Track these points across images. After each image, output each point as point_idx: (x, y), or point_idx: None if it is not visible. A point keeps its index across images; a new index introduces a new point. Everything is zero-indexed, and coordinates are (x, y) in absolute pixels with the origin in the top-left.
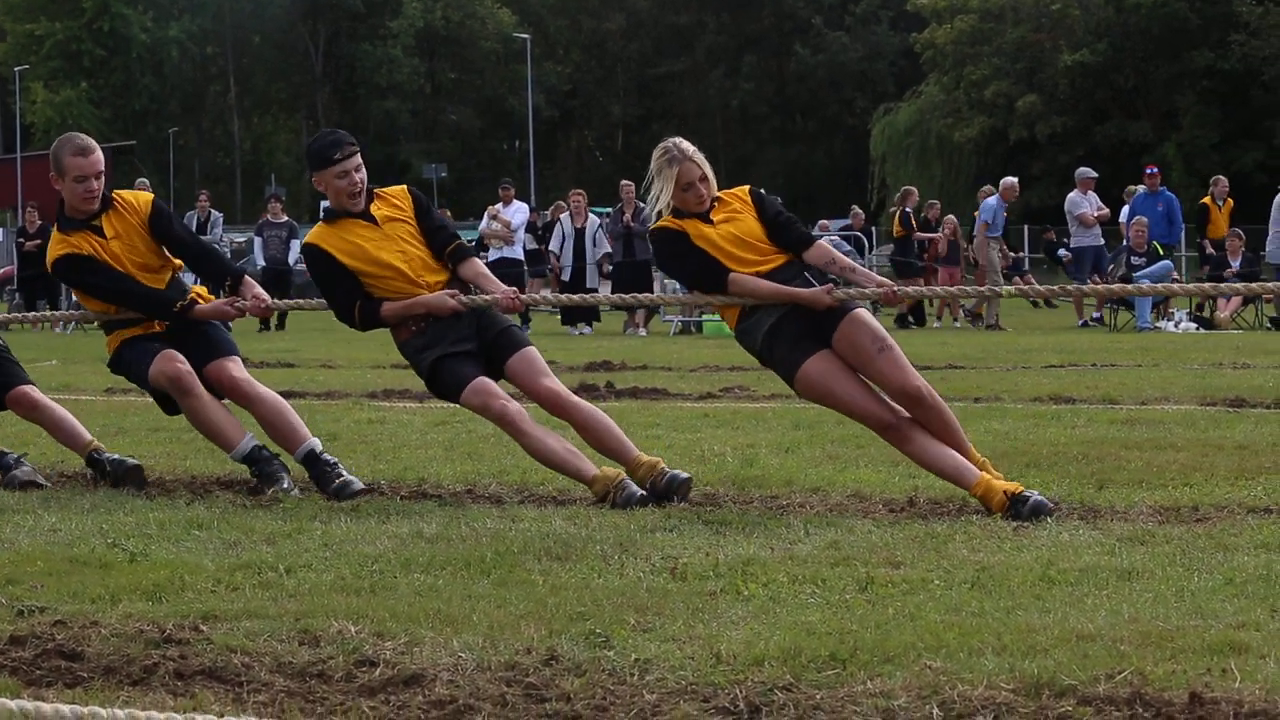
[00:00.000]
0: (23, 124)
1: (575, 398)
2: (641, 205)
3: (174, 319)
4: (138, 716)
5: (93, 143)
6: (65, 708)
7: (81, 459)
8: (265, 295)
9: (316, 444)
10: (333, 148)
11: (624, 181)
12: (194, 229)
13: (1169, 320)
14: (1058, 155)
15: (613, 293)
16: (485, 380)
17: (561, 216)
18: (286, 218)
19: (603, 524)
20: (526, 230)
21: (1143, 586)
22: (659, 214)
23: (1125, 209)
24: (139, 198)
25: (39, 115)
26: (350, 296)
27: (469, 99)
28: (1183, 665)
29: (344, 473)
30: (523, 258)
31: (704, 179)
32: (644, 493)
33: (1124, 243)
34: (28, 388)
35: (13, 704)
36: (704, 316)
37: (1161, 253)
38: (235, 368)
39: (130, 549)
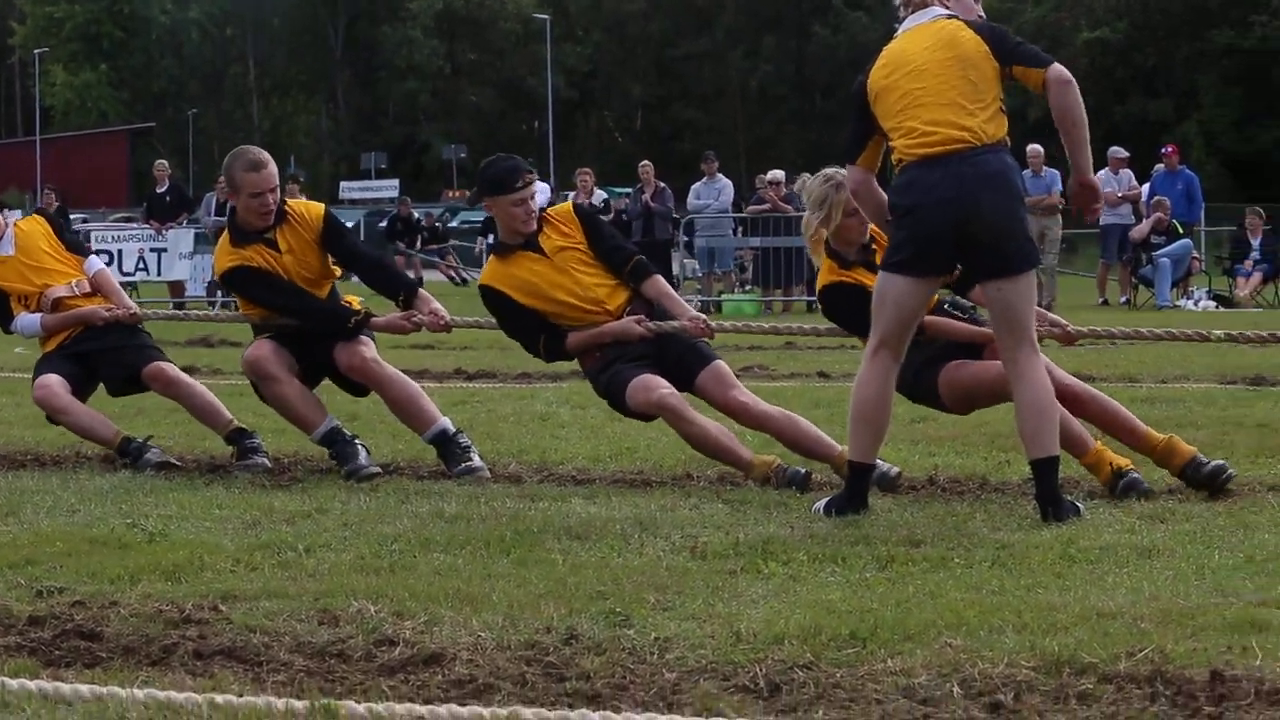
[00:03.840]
0: (42, 106)
1: (766, 406)
2: (662, 185)
3: (349, 335)
4: (157, 696)
5: (266, 156)
6: (84, 688)
7: (222, 437)
8: (442, 310)
9: (449, 424)
10: (513, 174)
11: (643, 162)
12: (214, 210)
13: (1189, 298)
14: None
15: None
16: (645, 377)
17: (569, 194)
18: (305, 199)
19: (622, 503)
20: None
21: (1163, 564)
22: (814, 241)
23: (1146, 187)
24: (310, 210)
25: (58, 98)
26: (534, 332)
27: (489, 80)
28: (1204, 643)
29: (475, 457)
30: None
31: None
32: (806, 470)
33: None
34: (164, 364)
35: (32, 684)
36: (723, 296)
37: (1181, 231)
38: (367, 349)
39: (149, 529)
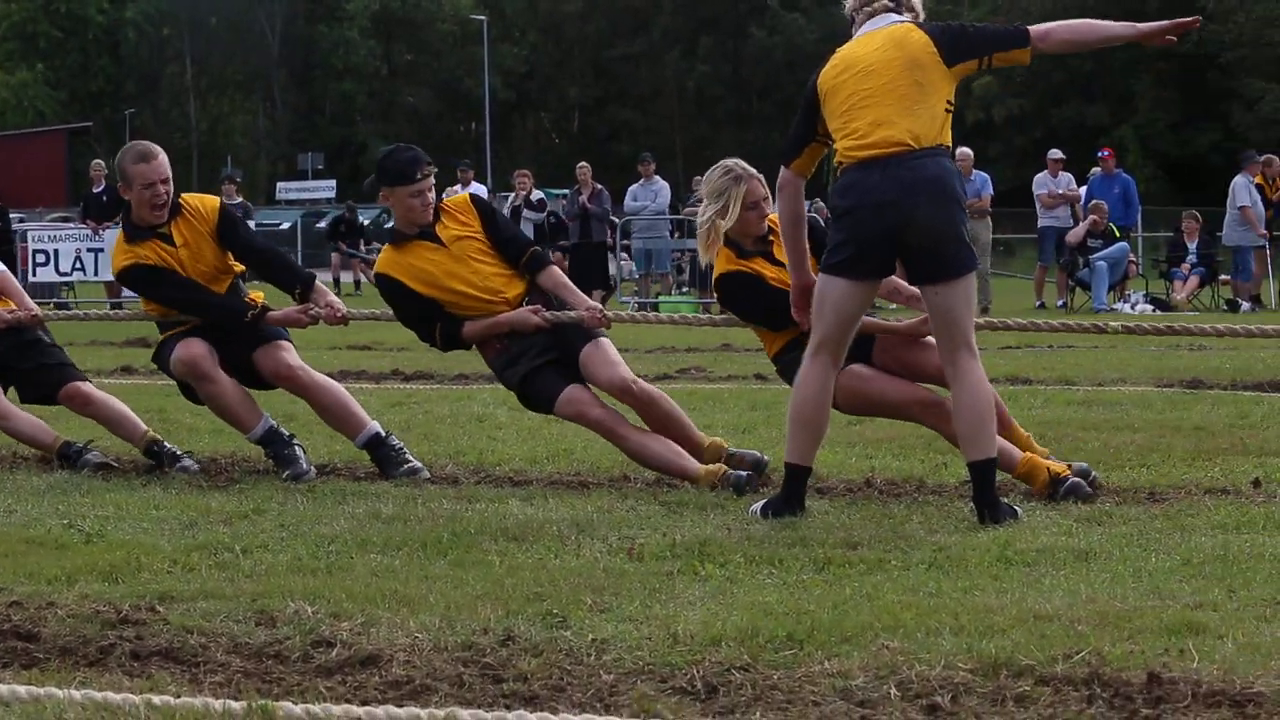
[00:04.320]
0: None
1: (646, 386)
2: (599, 187)
3: (245, 328)
4: (94, 697)
5: (155, 148)
6: (21, 689)
7: (139, 450)
8: (338, 303)
9: (379, 427)
10: (413, 165)
11: (580, 164)
12: None
13: (1125, 301)
14: (1014, 137)
15: (569, 274)
16: (576, 389)
17: (507, 195)
18: (241, 199)
19: (559, 505)
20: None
21: (1100, 567)
22: (711, 234)
23: (1083, 190)
24: (205, 203)
25: None
26: (428, 322)
27: (426, 81)
28: (1141, 645)
29: (411, 458)
30: None
31: (767, 198)
32: (750, 473)
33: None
34: (82, 384)
35: None
36: (660, 298)
37: (1118, 234)
38: (289, 355)
39: (86, 530)
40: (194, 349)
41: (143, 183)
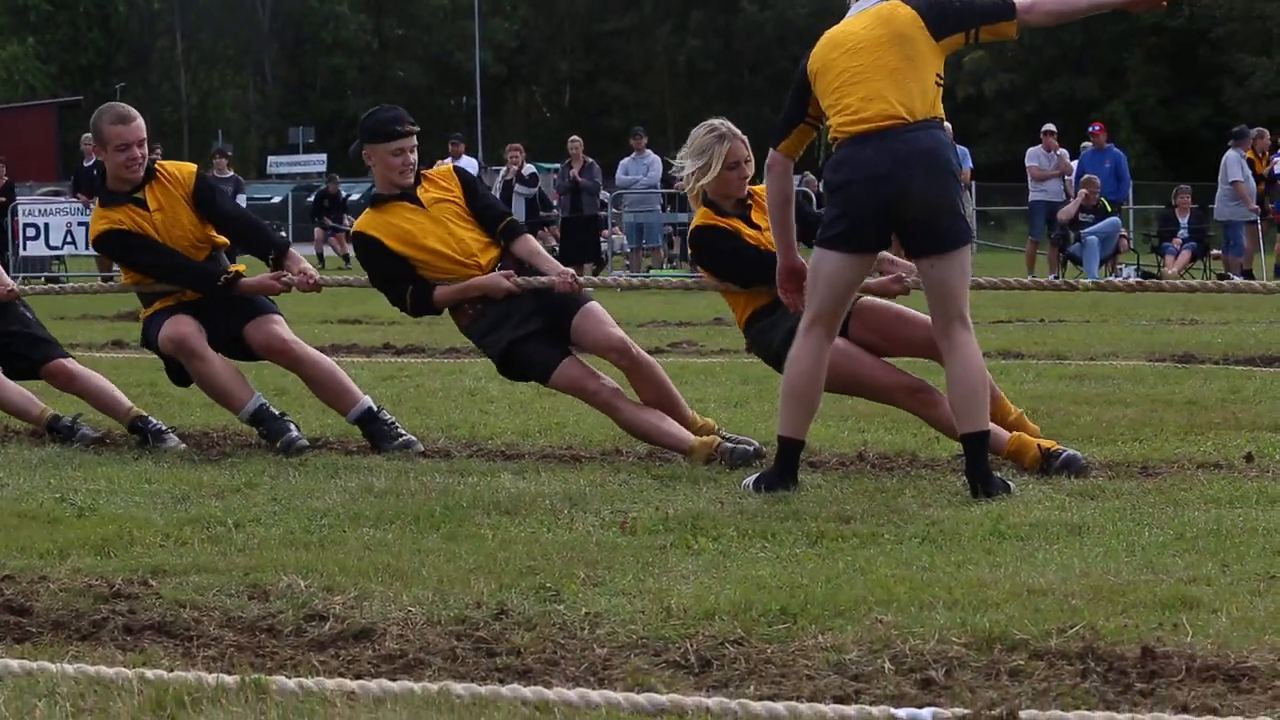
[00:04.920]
0: None
1: (643, 352)
2: (590, 160)
3: (218, 293)
4: (87, 671)
5: (132, 110)
6: (14, 663)
7: (124, 426)
8: (311, 270)
9: (371, 402)
10: (395, 122)
11: (572, 138)
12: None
13: (1117, 276)
14: (1005, 112)
15: (560, 247)
16: (572, 362)
17: (499, 169)
18: (232, 173)
19: (551, 478)
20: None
21: (1093, 541)
22: (692, 192)
23: (1074, 164)
24: (182, 169)
25: None
26: (400, 283)
27: (416, 55)
28: (1134, 620)
29: (404, 432)
30: None
31: (749, 160)
32: (754, 446)
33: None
34: (65, 360)
35: None
36: (651, 272)
37: (1110, 209)
38: (281, 328)
39: (79, 504)
40: (182, 327)
41: (118, 143)
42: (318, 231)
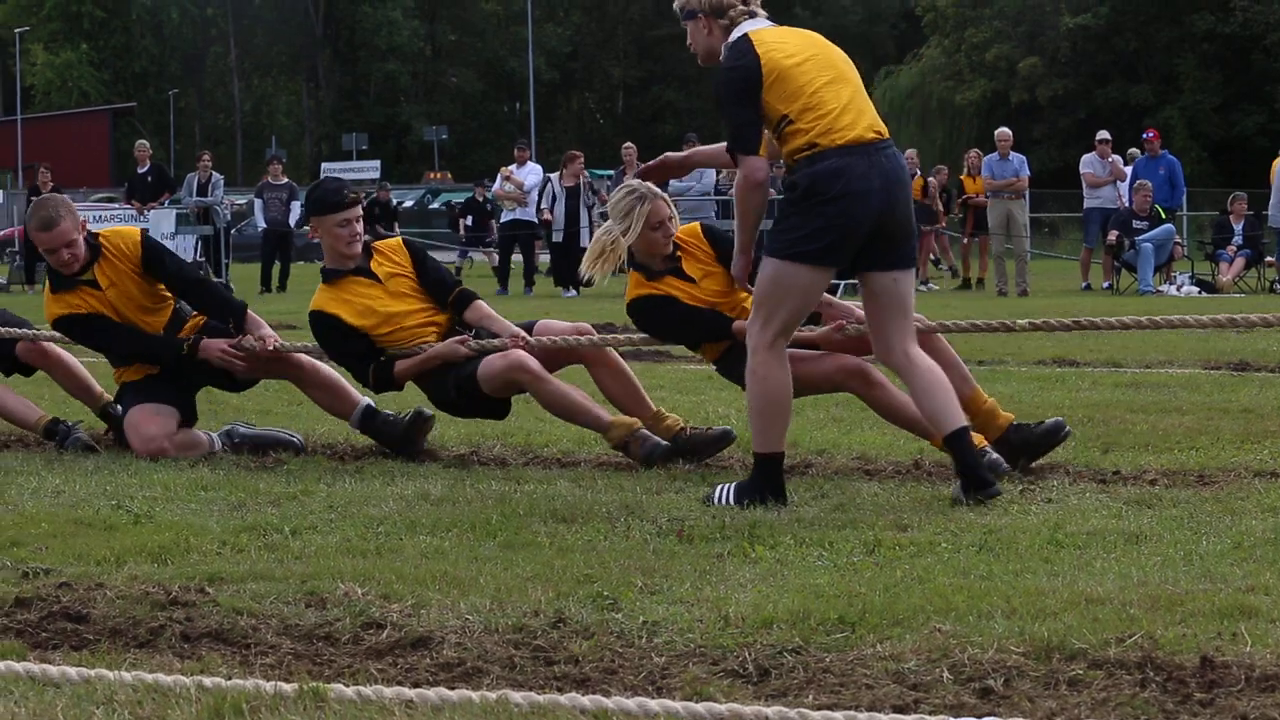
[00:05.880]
0: (23, 86)
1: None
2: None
3: (184, 362)
4: (145, 679)
5: (56, 214)
6: (72, 670)
7: (94, 412)
8: (272, 334)
9: (371, 401)
10: (339, 194)
11: (626, 144)
12: (195, 191)
13: (1171, 284)
14: (1059, 118)
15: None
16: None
17: (551, 176)
18: (287, 179)
19: (607, 486)
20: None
21: (1151, 550)
22: (608, 250)
23: (1128, 171)
24: (126, 240)
25: (39, 77)
26: (364, 360)
27: (470, 61)
28: (1193, 629)
29: (403, 416)
30: (535, 219)
31: (672, 218)
32: (663, 444)
33: (1126, 205)
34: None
35: (19, 666)
36: None
37: (1164, 216)
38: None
39: (135, 511)
40: (145, 425)
41: (44, 247)
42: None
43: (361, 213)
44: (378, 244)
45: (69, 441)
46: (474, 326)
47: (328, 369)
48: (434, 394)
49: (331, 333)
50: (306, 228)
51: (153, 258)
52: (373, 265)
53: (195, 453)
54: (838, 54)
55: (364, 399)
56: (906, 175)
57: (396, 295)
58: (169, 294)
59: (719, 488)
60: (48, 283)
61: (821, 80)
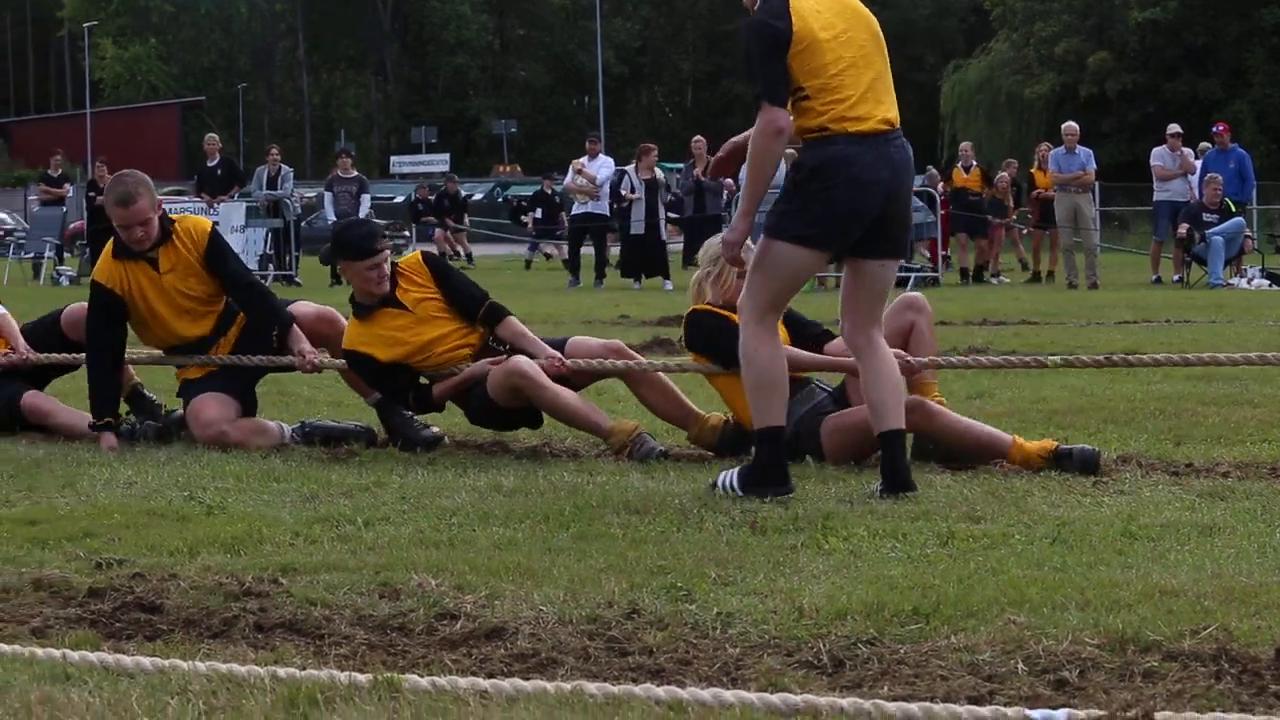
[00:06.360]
0: (92, 80)
1: (636, 355)
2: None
3: (96, 427)
4: (219, 669)
5: (136, 191)
6: (146, 660)
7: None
8: (311, 351)
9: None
10: (369, 239)
11: (696, 138)
12: (264, 184)
13: (1242, 276)
14: (1128, 112)
15: (685, 246)
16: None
17: (628, 169)
18: (356, 173)
19: (680, 478)
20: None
21: (1224, 542)
22: (699, 290)
23: (1198, 164)
24: (198, 229)
25: (108, 71)
26: (403, 391)
27: (538, 55)
28: (1268, 621)
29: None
30: (608, 212)
31: None
32: (663, 447)
33: (1196, 199)
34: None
35: (94, 656)
36: None
37: (1234, 209)
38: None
39: (208, 502)
40: (210, 411)
41: (119, 222)
42: (438, 233)
43: (389, 254)
44: (401, 265)
45: (137, 433)
46: (509, 344)
47: None
48: (469, 412)
49: (365, 371)
50: (339, 264)
51: (216, 252)
52: (399, 294)
53: (263, 440)
54: (869, 31)
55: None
56: (912, 166)
57: (426, 320)
58: (217, 301)
59: (723, 474)
60: (110, 243)
61: (845, 62)
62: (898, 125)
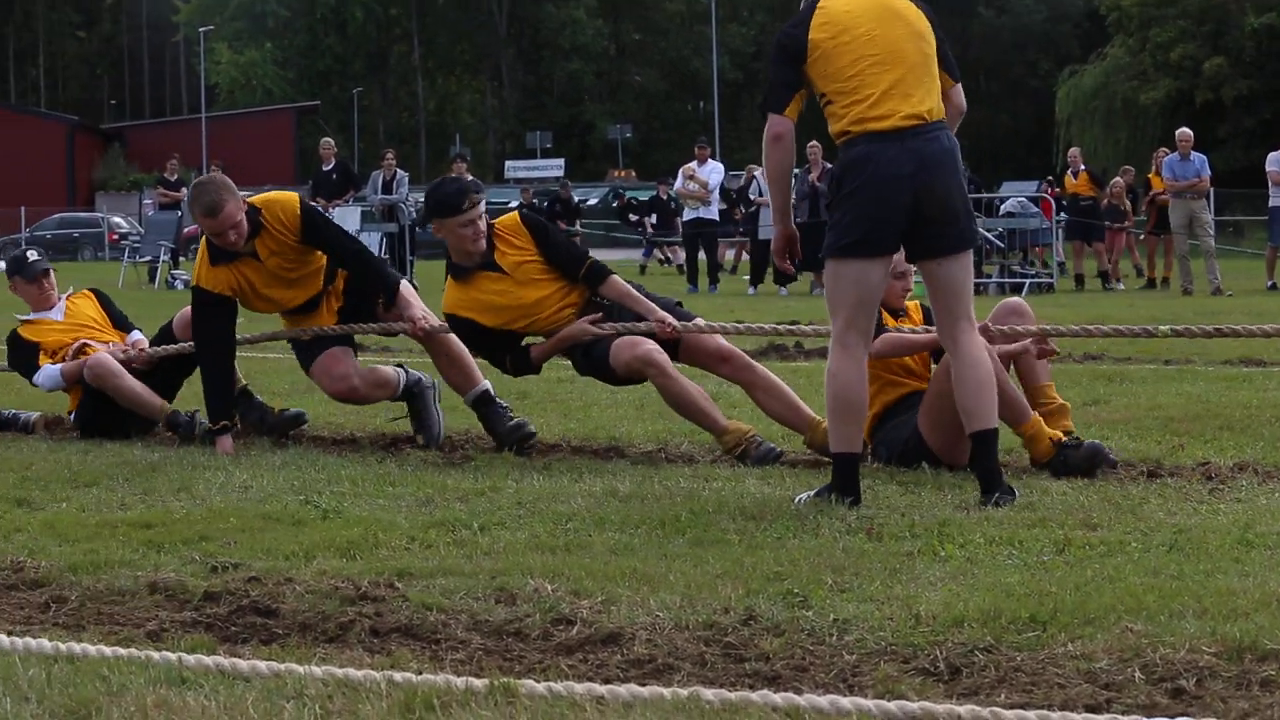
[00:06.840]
0: (208, 85)
1: (751, 360)
2: (828, 165)
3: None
4: (335, 674)
5: (221, 198)
6: (262, 664)
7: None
8: (423, 311)
9: (490, 386)
10: (459, 196)
11: (811, 143)
12: (380, 189)
13: None
14: (1243, 118)
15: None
16: (628, 337)
17: (756, 174)
18: (471, 178)
19: (795, 484)
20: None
21: None
22: None
23: None
24: (286, 210)
25: (223, 76)
26: (500, 352)
27: (653, 61)
28: None
29: (515, 415)
30: (717, 218)
31: (908, 273)
32: (780, 450)
33: None
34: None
35: (210, 660)
36: None
37: None
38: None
39: (323, 506)
40: (337, 368)
41: (210, 230)
42: None
43: (483, 209)
44: (498, 226)
45: (198, 431)
46: (613, 303)
47: (460, 345)
48: (578, 364)
49: (467, 334)
50: (433, 226)
51: (311, 227)
52: (497, 257)
53: (385, 392)
54: (906, 28)
55: (485, 382)
56: (953, 157)
57: (526, 283)
58: (321, 258)
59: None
60: (204, 249)
61: (867, 61)
62: (933, 119)
